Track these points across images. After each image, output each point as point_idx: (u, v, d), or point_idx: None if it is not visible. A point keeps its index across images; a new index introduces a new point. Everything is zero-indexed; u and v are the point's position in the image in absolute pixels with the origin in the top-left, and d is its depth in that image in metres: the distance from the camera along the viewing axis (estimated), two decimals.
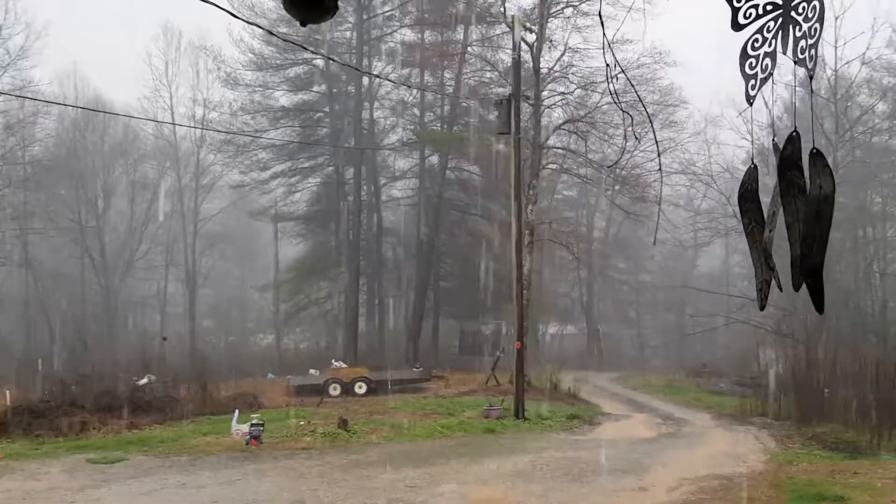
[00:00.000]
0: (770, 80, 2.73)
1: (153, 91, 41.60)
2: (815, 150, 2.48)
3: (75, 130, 40.36)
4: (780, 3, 2.70)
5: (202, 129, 38.70)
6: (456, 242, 36.72)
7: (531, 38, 26.02)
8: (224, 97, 37.15)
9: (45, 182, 37.33)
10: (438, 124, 37.30)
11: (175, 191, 42.88)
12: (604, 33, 4.29)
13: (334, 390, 22.95)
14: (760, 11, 2.76)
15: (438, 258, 36.78)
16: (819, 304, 2.58)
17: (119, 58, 57.18)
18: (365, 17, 34.39)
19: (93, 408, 16.32)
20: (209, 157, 41.36)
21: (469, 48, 32.63)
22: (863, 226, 31.63)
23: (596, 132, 27.06)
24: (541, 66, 26.56)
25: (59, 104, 34.19)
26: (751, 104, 2.81)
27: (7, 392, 18.91)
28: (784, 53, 2.66)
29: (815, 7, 2.56)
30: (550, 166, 30.74)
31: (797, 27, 2.61)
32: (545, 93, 27.84)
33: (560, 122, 29.27)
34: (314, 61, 34.01)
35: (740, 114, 25.15)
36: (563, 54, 27.21)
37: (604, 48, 4.28)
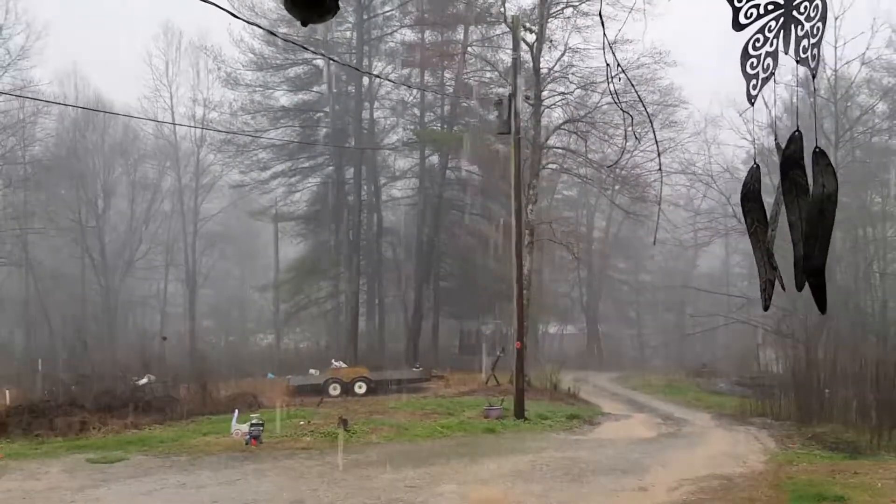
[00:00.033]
0: (772, 80, 2.72)
1: (153, 91, 41.77)
2: (817, 149, 2.48)
3: (75, 130, 40.40)
4: (782, 2, 2.70)
5: (202, 128, 38.77)
6: (456, 242, 36.71)
7: (531, 38, 26.05)
8: (224, 97, 37.25)
9: (45, 182, 37.36)
10: (438, 124, 37.30)
11: (175, 190, 42.92)
12: (604, 33, 4.29)
13: (334, 390, 22.94)
14: (762, 11, 2.75)
15: (438, 258, 36.77)
16: (821, 303, 2.57)
17: (119, 58, 57.35)
18: (365, 17, 34.40)
19: (93, 408, 16.31)
20: (209, 157, 41.43)
21: (469, 48, 32.63)
22: (863, 226, 31.65)
23: (596, 132, 27.08)
24: (541, 66, 26.58)
25: (59, 104, 34.29)
26: (752, 104, 2.81)
27: (7, 392, 18.93)
28: (786, 53, 2.65)
29: (817, 6, 2.55)
30: (550, 166, 30.76)
31: (799, 26, 2.60)
32: (545, 93, 27.85)
33: (560, 122, 29.32)
34: (314, 61, 34.03)
35: (741, 114, 25.20)
36: (563, 54, 27.26)
37: (604, 48, 4.27)
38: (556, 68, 27.70)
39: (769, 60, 2.72)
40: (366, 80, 34.23)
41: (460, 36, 33.41)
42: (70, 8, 53.26)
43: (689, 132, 33.65)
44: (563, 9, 26.66)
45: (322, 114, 36.62)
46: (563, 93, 28.39)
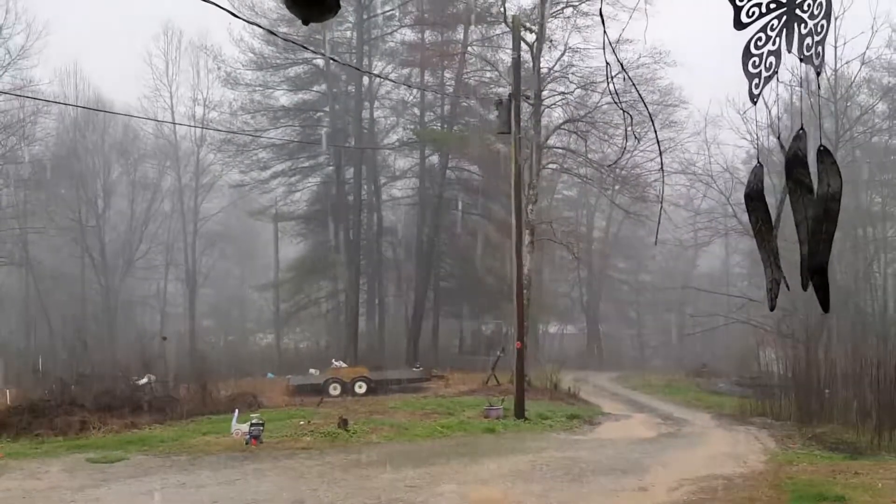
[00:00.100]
0: (774, 79, 2.72)
1: (153, 90, 41.73)
2: (822, 148, 2.47)
3: (75, 130, 40.37)
4: (784, 1, 2.69)
5: (202, 128, 38.76)
6: (456, 242, 36.70)
7: (531, 37, 26.04)
8: (224, 97, 37.27)
9: (45, 181, 37.32)
10: (438, 124, 37.30)
11: (175, 190, 42.91)
12: (604, 32, 4.27)
13: (334, 390, 22.92)
14: (763, 10, 2.74)
15: (438, 258, 36.76)
16: (825, 302, 2.56)
17: (119, 57, 57.35)
18: (365, 16, 34.39)
19: (93, 407, 16.29)
20: (209, 157, 41.40)
21: (469, 48, 32.64)
22: (863, 226, 31.65)
23: (596, 132, 27.08)
24: (541, 65, 26.57)
25: (59, 104, 34.28)
26: (754, 103, 2.81)
27: (7, 391, 18.93)
28: (789, 51, 2.64)
29: (820, 4, 2.54)
30: (550, 166, 30.75)
31: (802, 24, 2.60)
32: (545, 93, 27.84)
33: (560, 121, 29.33)
34: (314, 61, 34.04)
35: (742, 113, 25.20)
36: (563, 54, 27.28)
37: (604, 47, 4.25)
38: (556, 68, 27.73)
39: (771, 59, 2.71)
40: (366, 79, 34.25)
41: (460, 36, 33.43)
42: (70, 8, 53.29)
43: (688, 132, 33.66)
44: (563, 8, 26.69)
45: (322, 113, 36.63)
46: (563, 93, 28.43)
